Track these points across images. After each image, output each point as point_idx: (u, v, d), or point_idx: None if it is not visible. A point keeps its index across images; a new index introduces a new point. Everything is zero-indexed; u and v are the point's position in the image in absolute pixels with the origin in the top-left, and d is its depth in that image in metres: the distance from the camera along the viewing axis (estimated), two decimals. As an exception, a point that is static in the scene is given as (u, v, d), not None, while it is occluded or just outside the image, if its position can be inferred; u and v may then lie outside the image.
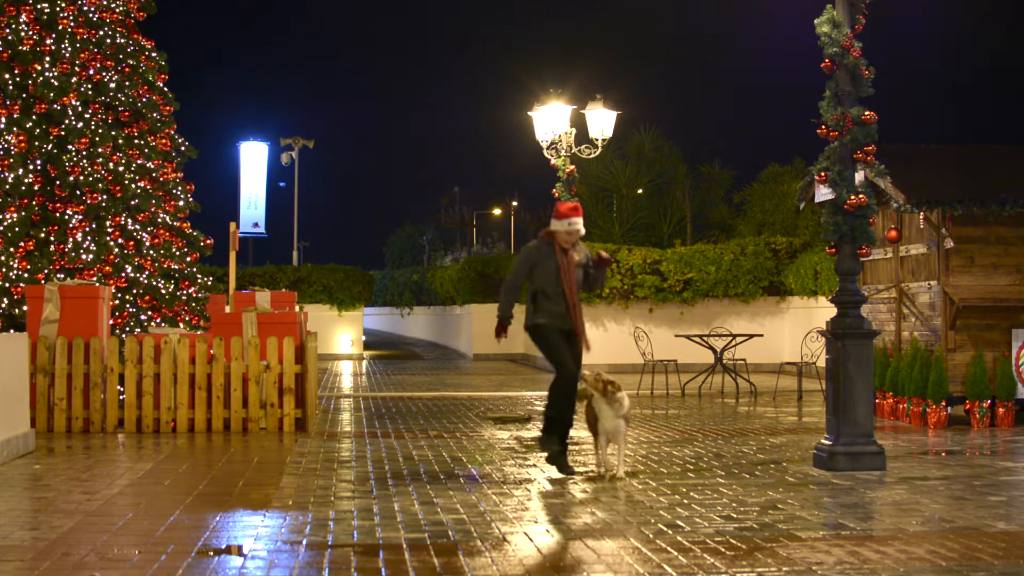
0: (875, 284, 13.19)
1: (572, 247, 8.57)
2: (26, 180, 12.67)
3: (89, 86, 13.69)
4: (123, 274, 13.06)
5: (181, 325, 13.90)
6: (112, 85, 13.98)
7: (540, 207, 55.09)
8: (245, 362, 11.16)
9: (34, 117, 12.93)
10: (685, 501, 7.17)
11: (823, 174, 8.75)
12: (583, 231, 8.59)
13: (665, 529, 6.32)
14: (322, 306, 26.54)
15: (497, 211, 64.58)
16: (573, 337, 8.50)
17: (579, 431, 11.30)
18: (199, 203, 15.67)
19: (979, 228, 11.72)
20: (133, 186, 13.64)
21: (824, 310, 18.38)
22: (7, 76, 12.83)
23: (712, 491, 7.59)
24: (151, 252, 13.94)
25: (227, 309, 14.05)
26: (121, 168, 13.48)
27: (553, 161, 18.93)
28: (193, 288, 14.65)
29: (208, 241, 15.61)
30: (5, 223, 12.31)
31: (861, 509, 7.00)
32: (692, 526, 6.39)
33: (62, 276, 12.44)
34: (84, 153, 13.10)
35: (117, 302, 12.97)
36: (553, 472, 8.48)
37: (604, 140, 19.17)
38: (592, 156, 19.60)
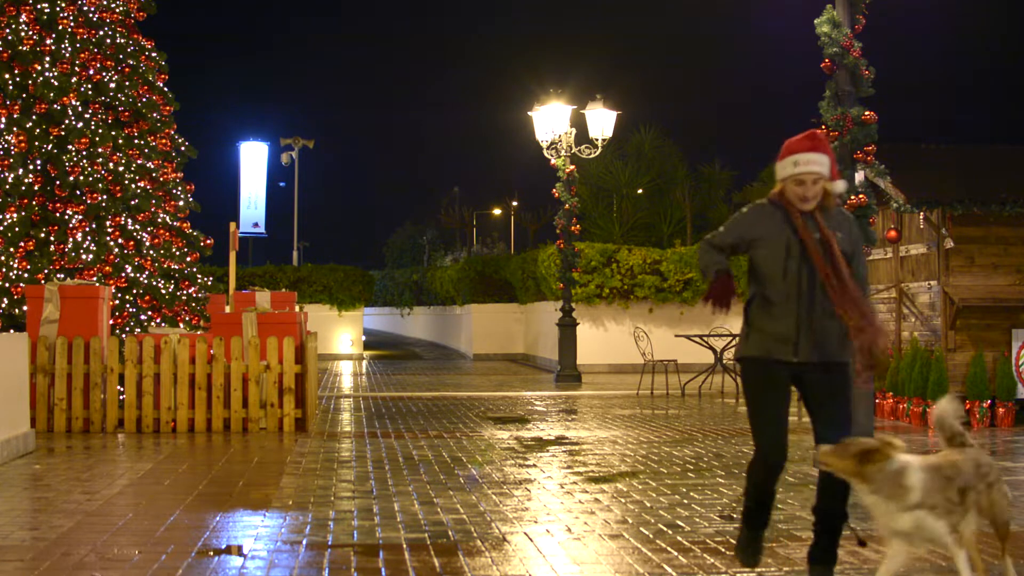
0: (875, 284, 13.19)
1: (820, 211, 4.88)
2: (26, 180, 12.67)
3: (89, 86, 13.69)
4: (123, 274, 13.06)
5: (181, 325, 13.91)
6: (112, 85, 13.98)
7: (540, 207, 55.11)
8: (245, 362, 11.16)
9: (34, 117, 12.93)
10: (685, 501, 7.17)
11: (823, 174, 8.74)
12: (827, 176, 4.85)
13: (665, 529, 6.32)
14: (322, 306, 26.54)
15: (497, 211, 64.60)
16: (827, 375, 4.93)
17: (579, 430, 11.29)
18: (199, 203, 15.68)
19: (979, 228, 11.73)
20: (133, 186, 13.64)
21: (824, 310, 18.35)
22: (7, 76, 12.83)
23: (712, 491, 7.59)
24: (151, 252, 13.93)
25: (227, 309, 14.05)
26: (121, 168, 13.48)
27: (553, 161, 18.96)
28: (193, 288, 14.65)
29: (208, 241, 15.62)
30: (5, 223, 12.30)
31: (861, 509, 6.98)
32: (692, 526, 6.39)
33: (62, 276, 12.44)
34: (84, 153, 13.09)
35: (117, 302, 12.97)
36: (553, 472, 8.47)
37: (604, 140, 19.20)
38: (592, 156, 19.63)
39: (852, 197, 8.50)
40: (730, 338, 15.68)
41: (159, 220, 14.53)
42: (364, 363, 25.64)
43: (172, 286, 14.10)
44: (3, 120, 12.72)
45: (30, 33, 13.04)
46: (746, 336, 5.02)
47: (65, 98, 13.07)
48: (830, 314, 4.82)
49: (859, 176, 8.67)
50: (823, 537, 5.01)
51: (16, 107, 12.94)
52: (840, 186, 4.95)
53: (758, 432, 5.03)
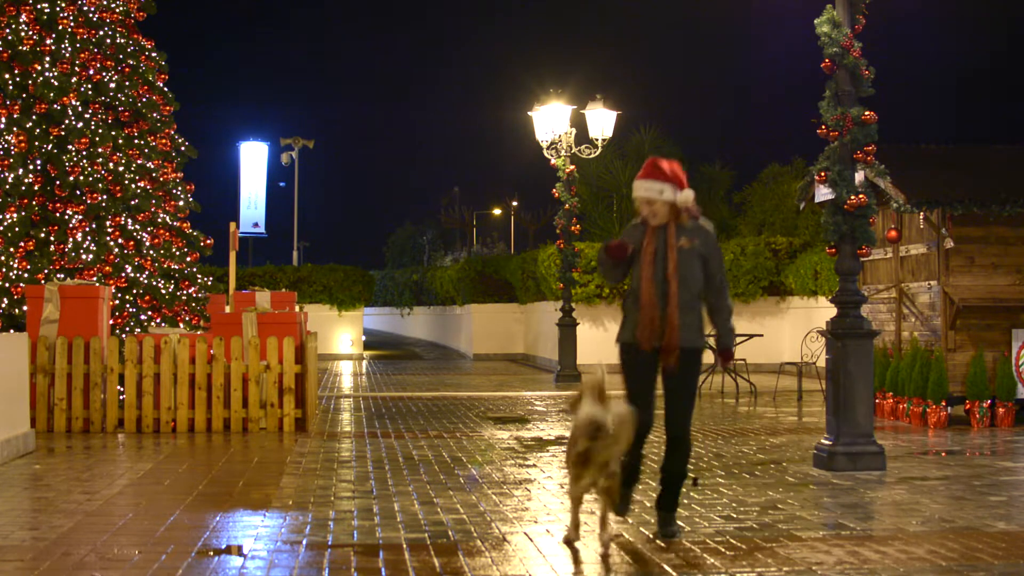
0: (875, 284, 13.19)
1: (675, 225, 6.21)
2: (26, 180, 12.67)
3: (89, 86, 13.69)
4: (123, 274, 13.06)
5: (181, 325, 13.90)
6: (112, 85, 13.98)
7: (540, 207, 55.16)
8: (245, 362, 11.16)
9: (34, 117, 12.93)
10: (685, 501, 7.16)
11: (823, 174, 8.75)
12: (672, 198, 6.22)
13: (665, 529, 6.31)
14: (322, 306, 26.54)
15: (497, 211, 64.62)
16: (681, 358, 6.07)
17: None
18: (199, 203, 15.68)
19: (979, 228, 11.72)
20: (133, 186, 13.64)
21: (824, 310, 18.38)
22: (7, 76, 12.83)
23: (712, 491, 7.59)
24: (151, 252, 13.94)
25: (227, 309, 14.05)
26: (121, 168, 13.48)
27: (553, 161, 18.95)
28: (193, 288, 14.65)
29: (208, 241, 15.62)
30: (5, 223, 12.31)
31: (861, 509, 7.00)
32: (692, 526, 6.39)
33: (62, 276, 12.44)
34: (84, 153, 13.10)
35: (117, 302, 12.97)
36: (553, 472, 8.47)
37: (604, 140, 19.18)
38: (592, 156, 19.62)
39: (852, 197, 8.50)
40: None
41: (159, 220, 14.53)
42: (364, 363, 25.64)
43: (172, 286, 14.10)
44: (3, 120, 12.72)
45: (30, 33, 13.04)
46: (622, 325, 6.21)
47: (65, 98, 13.07)
48: (688, 308, 6.05)
49: (859, 176, 8.65)
50: (667, 490, 6.23)
51: (16, 107, 12.94)
52: (684, 197, 6.20)
53: (631, 399, 6.04)
